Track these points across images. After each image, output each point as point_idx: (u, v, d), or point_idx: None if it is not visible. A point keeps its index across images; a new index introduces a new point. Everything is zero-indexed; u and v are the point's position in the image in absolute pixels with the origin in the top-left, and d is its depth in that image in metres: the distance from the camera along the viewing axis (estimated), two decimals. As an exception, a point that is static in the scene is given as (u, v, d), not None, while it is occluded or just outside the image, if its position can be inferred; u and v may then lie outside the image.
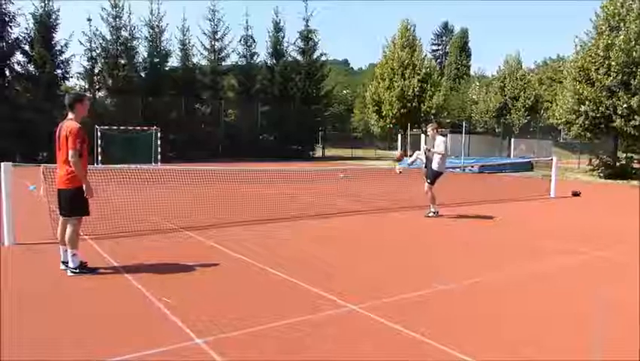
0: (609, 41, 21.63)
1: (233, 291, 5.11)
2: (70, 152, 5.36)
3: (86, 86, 32.33)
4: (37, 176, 8.01)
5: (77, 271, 5.53)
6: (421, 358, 3.61)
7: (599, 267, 6.42)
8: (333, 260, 6.54)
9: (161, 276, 5.55)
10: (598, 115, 22.18)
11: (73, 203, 5.53)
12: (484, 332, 4.12)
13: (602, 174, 23.54)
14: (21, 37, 29.13)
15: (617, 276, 5.98)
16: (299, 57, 40.60)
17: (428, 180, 9.97)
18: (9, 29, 28.63)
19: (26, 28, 29.28)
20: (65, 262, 5.64)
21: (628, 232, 8.75)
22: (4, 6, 28.18)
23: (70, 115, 5.60)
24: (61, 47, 30.08)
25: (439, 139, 9.89)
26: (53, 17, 29.69)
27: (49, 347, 3.68)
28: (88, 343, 3.77)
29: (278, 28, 39.70)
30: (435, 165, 9.87)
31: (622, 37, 21.22)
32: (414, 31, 38.47)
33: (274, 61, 39.71)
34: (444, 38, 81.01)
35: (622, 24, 21.85)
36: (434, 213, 10.16)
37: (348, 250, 7.21)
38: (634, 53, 20.89)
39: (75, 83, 32.34)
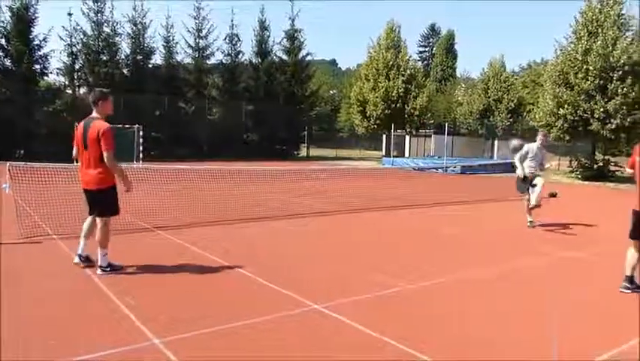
0: (587, 46, 21.96)
1: (197, 290, 5.11)
2: (107, 154, 5.37)
3: (66, 83, 31.78)
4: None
5: (108, 269, 5.53)
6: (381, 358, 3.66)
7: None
8: (300, 259, 6.58)
9: (127, 275, 5.52)
10: (576, 118, 22.48)
11: (106, 203, 5.59)
12: (445, 331, 4.18)
13: (580, 176, 23.88)
14: (-4, 31, 28.16)
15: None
16: (284, 57, 40.47)
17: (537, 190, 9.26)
18: (-17, 22, 27.66)
19: (2, 22, 28.39)
20: (81, 255, 5.74)
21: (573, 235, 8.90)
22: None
23: (95, 113, 5.56)
24: (40, 41, 29.34)
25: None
26: (31, 11, 28.96)
27: (9, 350, 3.63)
28: (47, 343, 3.75)
29: (263, 27, 39.50)
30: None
31: (599, 42, 21.57)
32: (399, 32, 38.65)
33: (259, 60, 39.50)
34: (431, 40, 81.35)
35: (600, 30, 22.19)
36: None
37: (317, 250, 7.24)
38: (610, 58, 21.26)
39: (55, 79, 31.72)
